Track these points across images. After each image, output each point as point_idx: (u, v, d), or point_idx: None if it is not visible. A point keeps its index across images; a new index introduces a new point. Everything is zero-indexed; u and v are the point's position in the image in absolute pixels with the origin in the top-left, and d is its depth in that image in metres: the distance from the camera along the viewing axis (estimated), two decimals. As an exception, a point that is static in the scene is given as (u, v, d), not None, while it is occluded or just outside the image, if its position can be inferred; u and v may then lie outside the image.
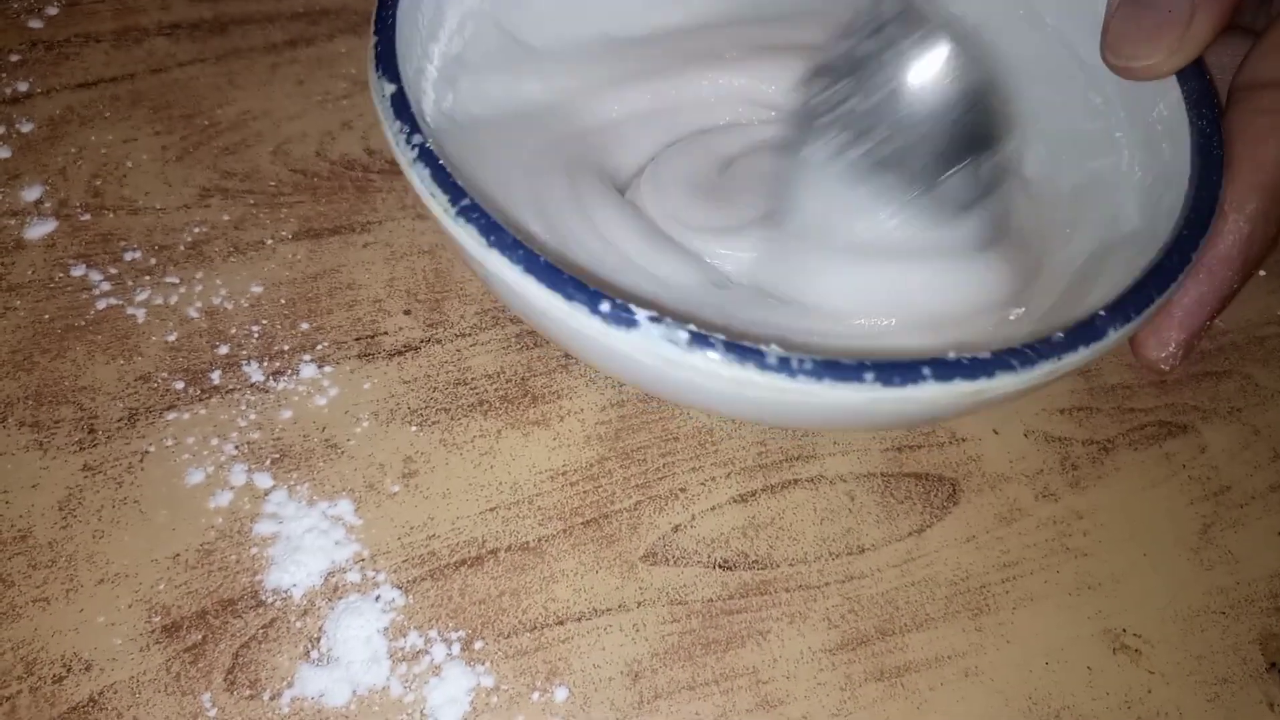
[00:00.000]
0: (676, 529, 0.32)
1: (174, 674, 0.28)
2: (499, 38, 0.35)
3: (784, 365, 0.22)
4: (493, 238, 0.24)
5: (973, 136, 0.30)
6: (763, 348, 0.22)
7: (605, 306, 0.23)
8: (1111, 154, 0.32)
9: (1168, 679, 0.30)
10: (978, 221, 0.31)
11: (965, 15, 0.36)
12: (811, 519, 0.32)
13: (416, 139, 0.26)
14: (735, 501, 0.33)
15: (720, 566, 0.31)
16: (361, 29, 0.43)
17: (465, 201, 0.25)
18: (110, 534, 0.31)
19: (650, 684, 0.29)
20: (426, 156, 0.26)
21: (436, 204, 0.25)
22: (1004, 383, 0.23)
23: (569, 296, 0.23)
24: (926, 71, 0.30)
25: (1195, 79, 0.29)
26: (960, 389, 0.23)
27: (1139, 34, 0.29)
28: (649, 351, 0.23)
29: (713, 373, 0.23)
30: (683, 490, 0.33)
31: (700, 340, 0.23)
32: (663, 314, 0.23)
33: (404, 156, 0.26)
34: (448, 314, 0.36)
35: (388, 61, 0.28)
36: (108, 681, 0.28)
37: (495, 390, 0.34)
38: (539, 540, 0.31)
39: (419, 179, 0.26)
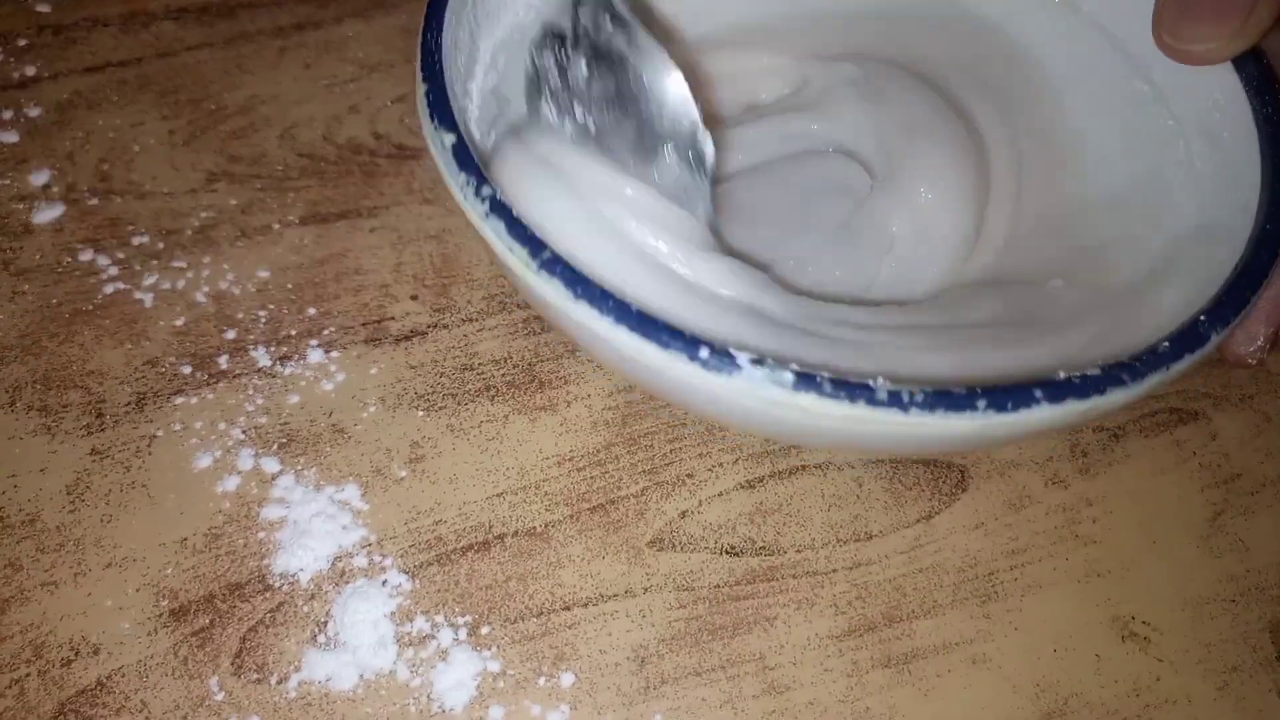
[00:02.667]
0: (683, 515, 0.32)
1: (181, 658, 0.29)
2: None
3: (895, 399, 0.22)
4: (579, 289, 0.23)
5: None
6: (871, 383, 0.22)
7: (704, 353, 0.22)
8: (1167, 144, 0.32)
9: (1176, 667, 0.30)
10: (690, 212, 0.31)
11: (993, 5, 0.36)
12: (819, 505, 0.32)
13: (486, 191, 0.25)
14: (742, 487, 0.32)
15: (727, 552, 0.31)
16: (369, 13, 0.43)
17: (546, 254, 0.24)
18: (118, 518, 0.31)
19: (657, 669, 0.29)
20: (499, 209, 0.25)
21: (515, 258, 0.24)
22: (1115, 398, 0.23)
23: (664, 344, 0.23)
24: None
25: (1253, 64, 0.29)
26: (1073, 408, 0.23)
27: (1199, 16, 0.28)
28: (752, 395, 0.22)
29: (822, 412, 0.22)
30: (690, 476, 0.33)
31: (806, 381, 0.22)
32: (763, 355, 0.22)
33: (475, 211, 0.25)
34: (455, 299, 0.36)
35: (442, 110, 0.27)
36: (115, 665, 0.28)
37: (502, 375, 0.34)
38: (546, 526, 0.31)
39: (494, 234, 0.25)
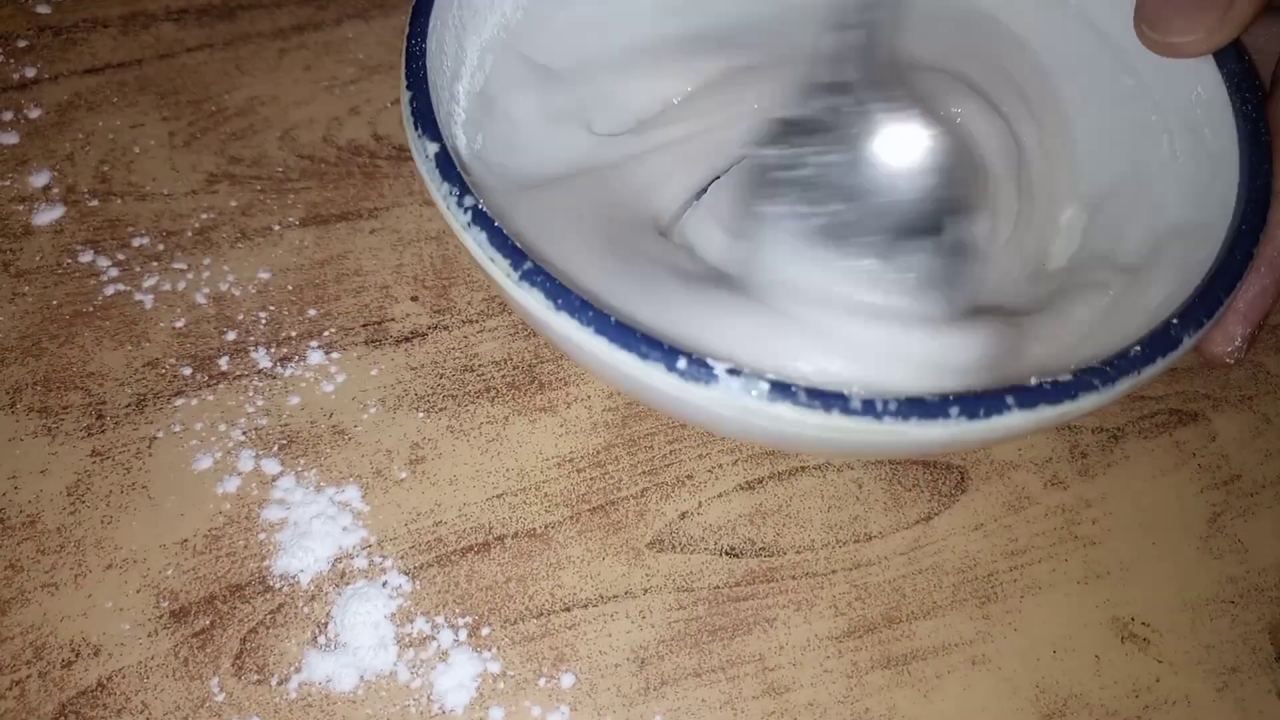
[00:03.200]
0: (683, 516, 0.32)
1: (182, 659, 0.29)
2: (519, 66, 0.34)
3: (869, 408, 0.22)
4: (560, 301, 0.24)
5: (936, 212, 0.30)
6: (845, 392, 0.22)
7: (682, 363, 0.23)
8: (1151, 140, 0.32)
9: (1176, 668, 0.30)
10: (943, 297, 0.30)
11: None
12: (819, 506, 0.32)
13: (469, 201, 0.25)
14: (742, 489, 0.32)
15: (727, 553, 0.31)
16: (369, 14, 0.43)
17: (527, 265, 0.24)
18: (119, 519, 0.31)
19: (657, 670, 0.29)
20: (481, 220, 0.25)
21: (497, 269, 0.24)
22: (1088, 402, 0.23)
23: (643, 355, 0.23)
24: (891, 141, 0.29)
25: (1234, 60, 0.29)
26: (1045, 414, 0.23)
27: (1179, 8, 0.28)
28: (729, 404, 0.23)
29: (797, 420, 0.23)
30: (690, 477, 0.33)
31: (781, 390, 0.22)
32: (739, 366, 0.23)
33: (456, 221, 0.25)
34: (455, 300, 0.36)
35: (426, 119, 0.27)
36: (116, 666, 0.28)
37: (502, 377, 0.34)
38: (546, 527, 0.31)
39: (475, 244, 0.25)
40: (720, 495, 0.32)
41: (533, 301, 0.24)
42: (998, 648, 0.30)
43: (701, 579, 0.31)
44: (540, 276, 0.24)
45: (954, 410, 0.22)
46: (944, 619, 0.31)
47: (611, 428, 0.33)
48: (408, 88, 0.27)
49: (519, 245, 0.24)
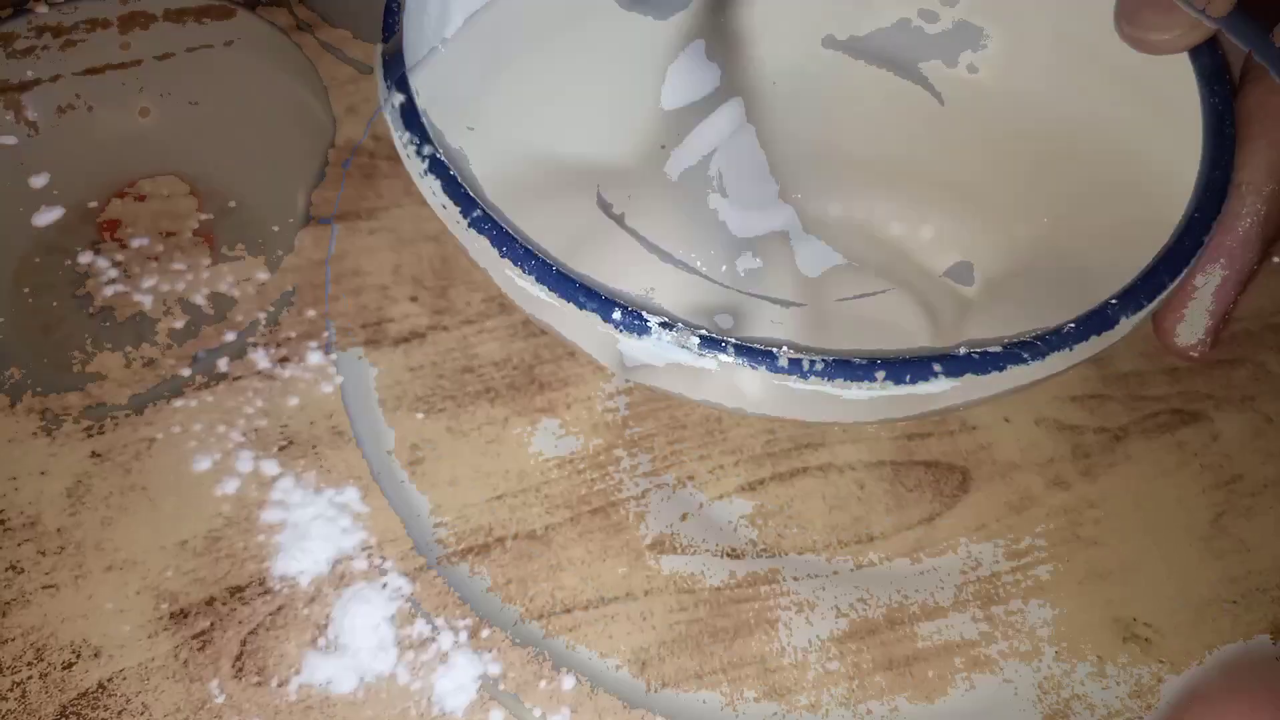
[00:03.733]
0: (684, 517, 0.32)
1: (182, 661, 0.29)
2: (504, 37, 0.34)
3: (795, 366, 0.23)
4: (504, 248, 0.24)
5: None
6: (775, 350, 0.23)
7: (617, 314, 0.23)
8: (1126, 130, 0.32)
9: (1178, 668, 0.30)
10: None
11: None
12: (820, 507, 0.32)
13: (427, 150, 0.26)
14: (744, 490, 0.32)
15: (728, 555, 0.31)
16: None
17: (476, 212, 0.25)
18: (118, 521, 0.31)
19: (658, 672, 0.29)
20: (438, 168, 0.26)
21: (448, 215, 0.25)
22: (1015, 375, 0.23)
23: (581, 305, 0.23)
24: None
25: (1207, 54, 0.29)
26: (971, 382, 0.23)
27: (1157, 6, 0.28)
28: (662, 356, 0.23)
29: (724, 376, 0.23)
30: (691, 478, 0.33)
31: (712, 344, 0.23)
32: (674, 320, 0.23)
33: (415, 168, 0.26)
34: (454, 301, 0.36)
35: (396, 70, 0.27)
36: (116, 668, 0.28)
37: (502, 377, 0.34)
38: (546, 529, 0.31)
39: (430, 191, 0.26)
40: (721, 496, 0.32)
41: (479, 247, 0.25)
42: (1000, 649, 0.30)
43: (703, 580, 0.31)
44: (488, 224, 0.25)
45: (880, 374, 0.23)
46: (946, 620, 0.31)
47: (612, 429, 0.33)
48: (382, 41, 0.28)
49: (470, 193, 0.25)
